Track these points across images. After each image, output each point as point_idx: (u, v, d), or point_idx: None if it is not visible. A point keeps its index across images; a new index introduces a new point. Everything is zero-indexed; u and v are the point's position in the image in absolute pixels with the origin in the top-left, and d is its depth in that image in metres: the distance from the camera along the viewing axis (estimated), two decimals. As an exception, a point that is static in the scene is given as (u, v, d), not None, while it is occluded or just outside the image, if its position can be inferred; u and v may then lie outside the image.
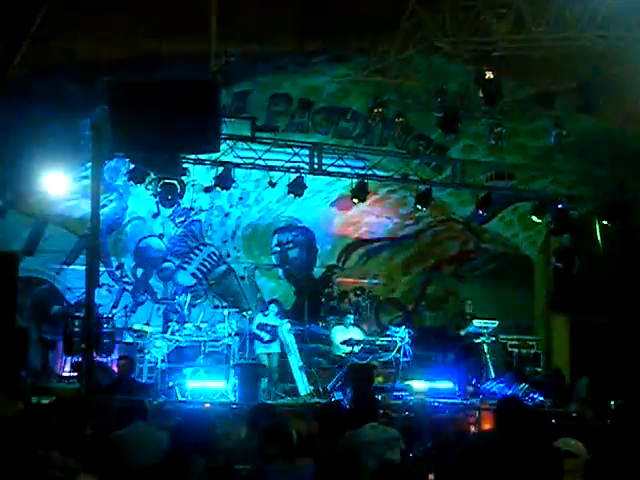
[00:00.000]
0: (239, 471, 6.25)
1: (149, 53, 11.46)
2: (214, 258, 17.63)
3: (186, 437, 5.48)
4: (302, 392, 14.60)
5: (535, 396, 14.26)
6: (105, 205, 15.03)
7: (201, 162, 13.79)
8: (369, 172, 15.08)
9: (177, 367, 14.24)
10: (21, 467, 5.60)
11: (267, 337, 14.80)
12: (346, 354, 14.61)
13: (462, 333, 15.88)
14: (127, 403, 7.78)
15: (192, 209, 16.65)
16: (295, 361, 15.03)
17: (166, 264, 17.15)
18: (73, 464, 5.80)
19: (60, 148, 13.13)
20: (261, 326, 14.87)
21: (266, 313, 15.10)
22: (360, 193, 14.72)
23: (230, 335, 14.65)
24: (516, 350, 16.10)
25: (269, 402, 12.56)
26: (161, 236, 16.96)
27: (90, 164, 12.94)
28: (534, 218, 16.02)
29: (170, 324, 14.71)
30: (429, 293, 19.56)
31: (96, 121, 12.58)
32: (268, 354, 14.78)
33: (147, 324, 15.55)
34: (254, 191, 16.58)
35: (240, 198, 16.79)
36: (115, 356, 14.24)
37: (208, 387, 13.70)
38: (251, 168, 14.48)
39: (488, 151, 15.36)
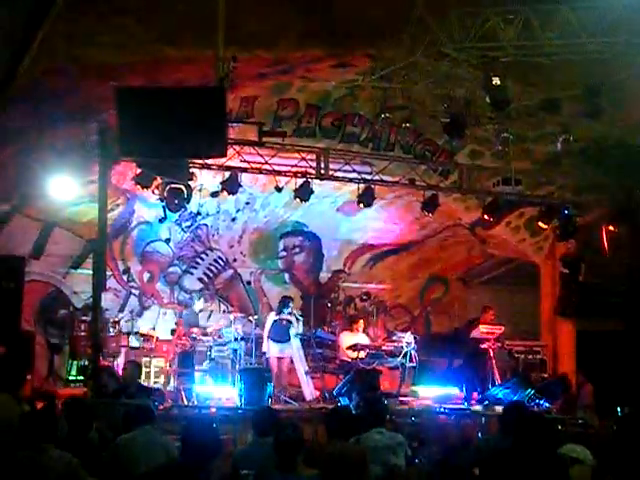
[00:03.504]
0: (245, 476, 6.25)
1: (156, 58, 11.47)
2: (220, 263, 17.66)
3: (196, 442, 5.47)
4: (308, 397, 14.60)
5: (541, 402, 14.24)
6: (112, 209, 15.06)
7: (208, 167, 13.81)
8: (376, 177, 15.09)
9: (184, 371, 14.26)
10: (26, 470, 5.63)
11: (277, 336, 14.76)
12: (352, 359, 14.61)
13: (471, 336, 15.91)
14: (134, 407, 7.78)
15: (199, 214, 16.67)
16: (301, 366, 15.03)
17: (172, 268, 17.18)
18: (78, 467, 5.83)
19: (67, 152, 13.16)
20: (277, 321, 14.86)
21: (285, 310, 15.05)
22: (366, 198, 14.72)
23: (236, 340, 14.66)
24: (522, 356, 16.09)
25: (275, 407, 12.56)
26: (168, 240, 16.99)
27: (97, 168, 12.96)
28: (540, 224, 16.01)
29: (176, 328, 14.73)
30: (435, 298, 19.56)
31: (103, 126, 12.62)
32: (279, 358, 14.76)
33: (153, 328, 15.60)
34: (261, 196, 16.60)
35: (247, 203, 16.81)
36: (121, 360, 14.27)
37: (214, 392, 13.72)
38: (258, 173, 14.49)
39: (495, 157, 15.34)
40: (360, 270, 18.96)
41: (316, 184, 14.51)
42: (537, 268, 18.15)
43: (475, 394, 15.01)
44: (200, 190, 15.27)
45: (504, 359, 16.36)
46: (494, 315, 16.15)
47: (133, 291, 16.77)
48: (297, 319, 15.09)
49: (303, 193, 14.33)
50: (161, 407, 12.00)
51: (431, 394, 14.52)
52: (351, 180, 14.97)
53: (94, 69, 11.37)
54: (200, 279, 17.44)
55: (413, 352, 14.79)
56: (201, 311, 16.19)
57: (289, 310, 15.03)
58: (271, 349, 14.80)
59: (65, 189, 13.48)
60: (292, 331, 15.02)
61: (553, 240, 17.28)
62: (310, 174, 14.41)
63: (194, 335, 14.75)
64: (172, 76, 11.77)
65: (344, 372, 14.63)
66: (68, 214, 15.18)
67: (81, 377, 13.93)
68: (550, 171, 15.98)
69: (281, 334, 14.84)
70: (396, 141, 15.51)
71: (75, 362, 14.53)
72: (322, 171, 14.46)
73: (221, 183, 13.99)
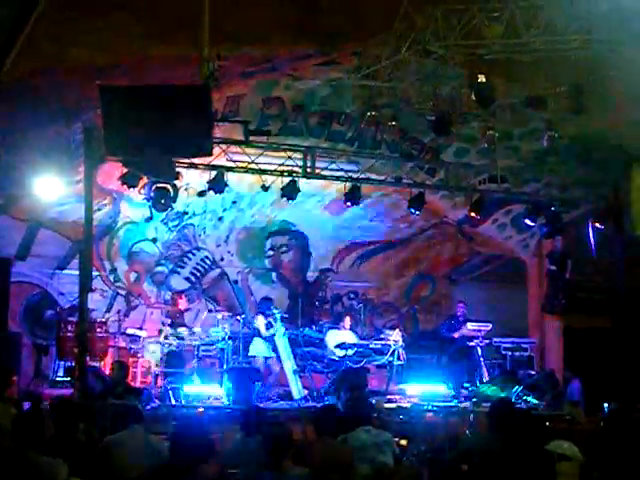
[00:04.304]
0: (232, 475, 6.24)
1: (141, 57, 11.43)
2: (207, 262, 17.61)
3: (186, 443, 5.45)
4: (296, 396, 14.59)
5: (528, 399, 14.29)
6: (98, 209, 15.00)
7: (194, 166, 13.78)
8: (362, 175, 15.09)
9: (171, 371, 14.22)
10: (13, 471, 5.60)
11: (268, 331, 14.75)
12: (340, 358, 14.60)
13: (455, 336, 15.97)
14: (122, 407, 7.76)
15: (185, 213, 16.62)
16: (289, 365, 15.01)
17: (159, 268, 17.12)
18: (63, 468, 5.80)
19: (52, 152, 13.10)
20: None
21: (267, 312, 15.04)
22: (353, 197, 14.72)
23: (224, 339, 14.64)
24: (509, 353, 16.14)
25: (262, 406, 12.55)
26: (154, 240, 16.91)
27: (83, 168, 12.90)
28: (527, 221, 16.05)
29: (163, 328, 14.69)
30: (422, 296, 19.56)
31: (88, 125, 12.56)
32: (265, 357, 14.72)
33: (140, 328, 15.55)
34: (247, 195, 16.57)
35: (233, 202, 16.76)
36: (108, 360, 14.22)
37: (202, 391, 13.69)
38: (244, 172, 14.46)
39: (481, 154, 15.37)
40: (348, 268, 18.94)
41: (303, 183, 14.50)
42: (524, 265, 18.20)
43: (463, 391, 15.04)
44: (186, 189, 15.25)
45: (492, 356, 16.42)
46: (463, 308, 16.29)
47: (120, 291, 16.68)
48: (275, 319, 15.05)
49: (290, 192, 14.32)
50: (148, 407, 11.98)
51: (419, 392, 14.52)
52: (338, 178, 14.97)
53: (80, 69, 11.32)
54: (187, 279, 17.39)
55: (401, 350, 14.80)
56: (187, 310, 16.12)
57: (270, 311, 15.02)
58: (255, 349, 14.74)
59: (51, 189, 13.40)
60: (271, 331, 14.91)
61: (540, 237, 17.32)
62: (296, 173, 14.41)
63: (181, 335, 14.70)
64: (159, 76, 11.72)
65: (332, 371, 14.63)
66: (54, 214, 15.11)
67: (68, 378, 13.86)
68: (536, 168, 16.03)
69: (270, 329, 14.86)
70: (382, 139, 15.52)
71: (62, 363, 14.48)
72: (308, 170, 14.45)
73: (207, 182, 13.97)
